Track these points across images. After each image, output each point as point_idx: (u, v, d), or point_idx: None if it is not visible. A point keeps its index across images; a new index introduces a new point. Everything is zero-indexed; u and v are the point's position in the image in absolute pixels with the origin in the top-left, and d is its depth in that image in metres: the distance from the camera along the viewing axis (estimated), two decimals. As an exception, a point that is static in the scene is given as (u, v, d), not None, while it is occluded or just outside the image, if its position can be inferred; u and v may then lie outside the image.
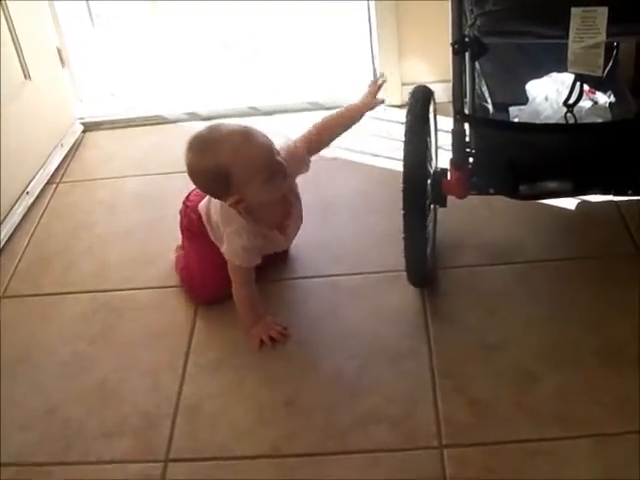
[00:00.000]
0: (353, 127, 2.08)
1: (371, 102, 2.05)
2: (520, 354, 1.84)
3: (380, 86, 2.06)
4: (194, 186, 2.11)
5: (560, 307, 1.96)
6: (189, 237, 2.13)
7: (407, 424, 1.72)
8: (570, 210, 2.25)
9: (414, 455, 1.65)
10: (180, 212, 2.14)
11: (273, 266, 2.14)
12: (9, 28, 2.55)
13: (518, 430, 1.67)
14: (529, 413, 1.70)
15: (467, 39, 1.74)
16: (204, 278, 2.07)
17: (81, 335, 2.06)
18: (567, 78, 1.94)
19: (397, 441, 1.69)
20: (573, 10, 1.55)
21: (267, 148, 1.85)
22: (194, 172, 1.86)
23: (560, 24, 1.59)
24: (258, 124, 1.92)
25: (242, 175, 1.82)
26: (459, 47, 1.76)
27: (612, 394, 1.72)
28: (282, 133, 1.95)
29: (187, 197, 2.13)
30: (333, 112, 2.09)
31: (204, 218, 2.05)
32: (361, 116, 2.07)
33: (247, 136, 1.84)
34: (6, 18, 2.54)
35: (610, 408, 1.69)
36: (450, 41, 1.76)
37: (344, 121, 2.08)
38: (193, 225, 2.09)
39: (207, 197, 2.05)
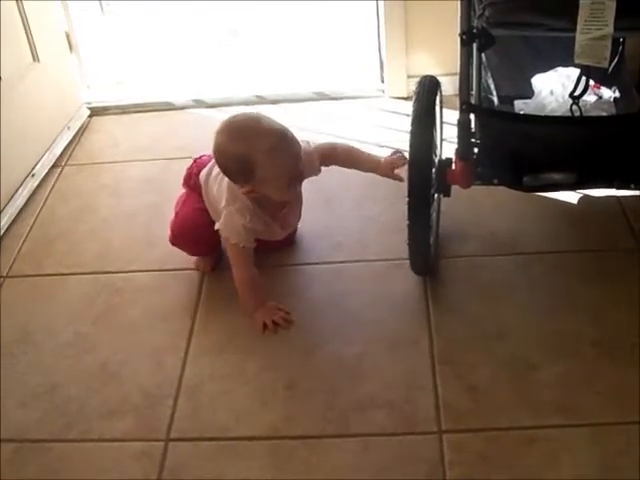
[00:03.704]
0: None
1: (387, 172, 2.02)
2: (520, 343, 1.85)
3: (400, 165, 2.00)
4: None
5: (560, 298, 1.97)
6: (187, 188, 2.14)
7: (406, 409, 1.73)
8: (572, 204, 2.26)
9: (413, 440, 1.66)
10: (187, 168, 2.15)
11: (278, 251, 2.16)
12: (19, 9, 2.55)
13: (517, 417, 1.68)
14: (528, 401, 1.72)
15: (475, 30, 1.76)
16: (185, 219, 2.09)
17: (83, 315, 2.07)
18: (573, 72, 1.96)
19: (396, 425, 1.70)
20: (582, 1, 1.56)
21: (296, 157, 1.88)
22: (221, 153, 1.89)
23: (568, 16, 1.60)
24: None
25: (265, 174, 1.85)
26: (467, 38, 1.77)
27: (610, 384, 1.73)
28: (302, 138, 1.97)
29: (200, 156, 2.15)
30: (359, 148, 2.13)
31: (203, 188, 2.07)
32: (370, 171, 2.09)
33: (283, 140, 1.86)
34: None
35: (608, 398, 1.70)
36: (458, 32, 1.77)
37: (361, 162, 2.11)
38: (191, 179, 2.11)
39: (207, 168, 2.07)
